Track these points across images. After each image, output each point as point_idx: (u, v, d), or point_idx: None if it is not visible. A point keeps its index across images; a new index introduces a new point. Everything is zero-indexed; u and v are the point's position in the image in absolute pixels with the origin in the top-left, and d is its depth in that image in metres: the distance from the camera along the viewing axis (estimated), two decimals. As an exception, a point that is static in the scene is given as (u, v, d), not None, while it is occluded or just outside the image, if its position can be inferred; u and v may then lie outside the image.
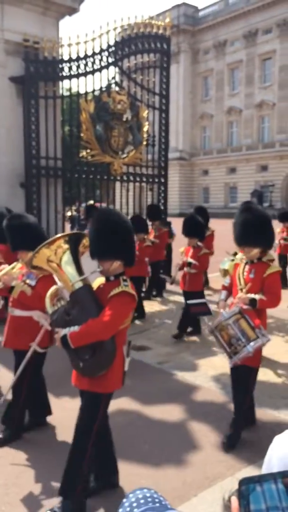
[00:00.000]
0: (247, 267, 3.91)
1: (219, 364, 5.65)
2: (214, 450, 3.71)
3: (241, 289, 3.85)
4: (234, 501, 0.74)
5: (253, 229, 3.80)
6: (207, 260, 6.75)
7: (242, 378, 3.81)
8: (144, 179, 9.91)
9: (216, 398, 4.71)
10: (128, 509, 0.83)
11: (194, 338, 6.73)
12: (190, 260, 6.51)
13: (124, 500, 0.85)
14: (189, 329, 6.84)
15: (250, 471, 3.33)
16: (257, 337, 3.53)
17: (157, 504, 0.83)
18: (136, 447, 3.65)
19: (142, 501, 0.82)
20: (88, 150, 8.75)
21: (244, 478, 0.74)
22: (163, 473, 3.38)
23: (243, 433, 3.85)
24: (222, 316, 3.68)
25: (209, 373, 5.37)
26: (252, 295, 3.68)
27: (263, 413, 4.29)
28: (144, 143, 9.57)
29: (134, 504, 0.82)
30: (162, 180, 10.15)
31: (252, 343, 3.52)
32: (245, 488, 0.73)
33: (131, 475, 3.29)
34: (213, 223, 9.71)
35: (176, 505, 2.98)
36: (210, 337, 6.79)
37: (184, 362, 5.38)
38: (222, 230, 9.74)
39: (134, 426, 4.06)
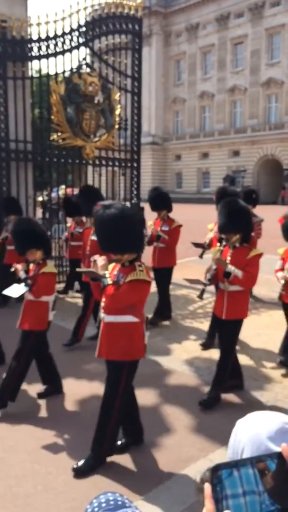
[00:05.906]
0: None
1: (191, 348, 5.71)
2: (187, 433, 3.75)
3: None
4: (207, 488, 0.72)
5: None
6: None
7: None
8: (117, 164, 9.80)
9: (189, 382, 4.76)
10: None
11: (167, 323, 6.76)
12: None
13: (88, 506, 0.85)
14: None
15: (222, 453, 3.37)
16: None
17: (119, 502, 0.85)
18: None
19: (104, 504, 0.85)
20: (59, 133, 8.56)
21: (219, 463, 0.73)
22: (137, 457, 3.40)
23: (216, 413, 3.92)
24: None
25: (182, 357, 5.42)
26: None
27: (235, 395, 4.37)
28: (117, 126, 9.44)
29: (96, 509, 0.84)
30: (135, 165, 10.05)
31: None
32: (221, 473, 0.72)
33: (105, 460, 3.29)
34: (186, 208, 9.70)
35: (150, 488, 3.00)
36: (183, 322, 6.86)
37: (158, 347, 5.41)
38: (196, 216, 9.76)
39: (108, 411, 4.06)
